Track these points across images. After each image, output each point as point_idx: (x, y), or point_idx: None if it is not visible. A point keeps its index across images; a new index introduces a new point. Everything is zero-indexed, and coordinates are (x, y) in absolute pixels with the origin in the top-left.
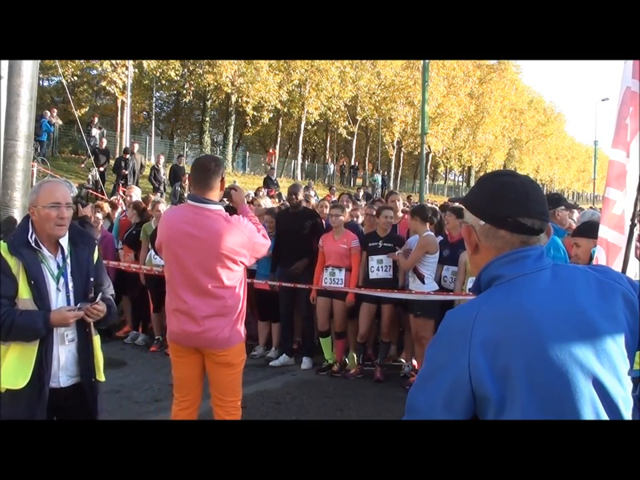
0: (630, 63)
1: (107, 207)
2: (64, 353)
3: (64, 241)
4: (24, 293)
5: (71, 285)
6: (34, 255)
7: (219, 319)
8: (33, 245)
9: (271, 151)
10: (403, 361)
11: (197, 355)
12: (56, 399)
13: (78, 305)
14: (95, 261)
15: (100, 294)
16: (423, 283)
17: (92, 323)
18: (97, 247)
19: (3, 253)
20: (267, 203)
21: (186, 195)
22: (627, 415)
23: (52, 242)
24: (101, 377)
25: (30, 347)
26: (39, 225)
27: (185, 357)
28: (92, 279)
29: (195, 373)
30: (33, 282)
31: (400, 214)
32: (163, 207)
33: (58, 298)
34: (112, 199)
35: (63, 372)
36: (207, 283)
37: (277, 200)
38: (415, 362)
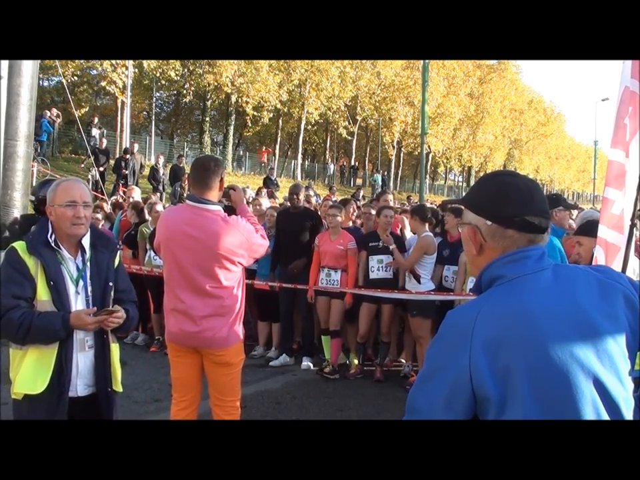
0: (629, 62)
1: (106, 207)
2: (82, 360)
3: (85, 243)
4: (43, 294)
5: (89, 289)
6: (53, 256)
7: (217, 318)
8: (53, 245)
9: (264, 149)
10: (402, 361)
11: (196, 355)
12: (72, 409)
13: (102, 309)
14: (115, 266)
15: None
16: (419, 282)
17: (110, 330)
18: (118, 252)
19: (21, 253)
20: (266, 203)
21: (186, 195)
22: (628, 415)
23: (72, 243)
24: (118, 387)
25: (49, 350)
26: (57, 225)
27: (184, 357)
28: (111, 284)
29: (193, 372)
30: (52, 283)
31: None
32: (160, 207)
33: (77, 301)
34: (112, 199)
35: (81, 380)
36: (205, 283)
37: (275, 200)
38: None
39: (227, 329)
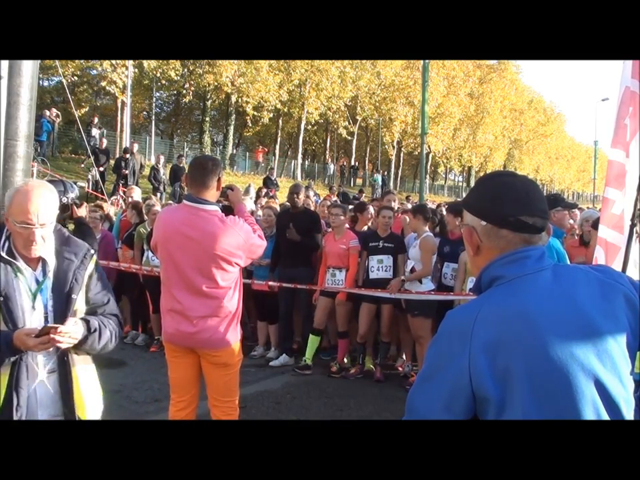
0: (629, 62)
1: (106, 207)
2: (42, 386)
3: (47, 253)
4: None
5: (50, 303)
6: (5, 267)
7: (214, 319)
8: (4, 255)
9: (260, 148)
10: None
11: (193, 355)
12: None
13: (42, 327)
14: (87, 275)
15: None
16: (420, 282)
17: (78, 349)
18: (93, 258)
19: None
20: (250, 204)
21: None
22: (629, 415)
23: None
24: (83, 414)
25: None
26: (13, 236)
27: (181, 357)
28: (74, 297)
29: (190, 373)
30: (2, 298)
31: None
32: (158, 208)
33: (32, 318)
34: (112, 198)
35: (43, 410)
36: (202, 283)
37: (275, 200)
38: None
39: (223, 329)
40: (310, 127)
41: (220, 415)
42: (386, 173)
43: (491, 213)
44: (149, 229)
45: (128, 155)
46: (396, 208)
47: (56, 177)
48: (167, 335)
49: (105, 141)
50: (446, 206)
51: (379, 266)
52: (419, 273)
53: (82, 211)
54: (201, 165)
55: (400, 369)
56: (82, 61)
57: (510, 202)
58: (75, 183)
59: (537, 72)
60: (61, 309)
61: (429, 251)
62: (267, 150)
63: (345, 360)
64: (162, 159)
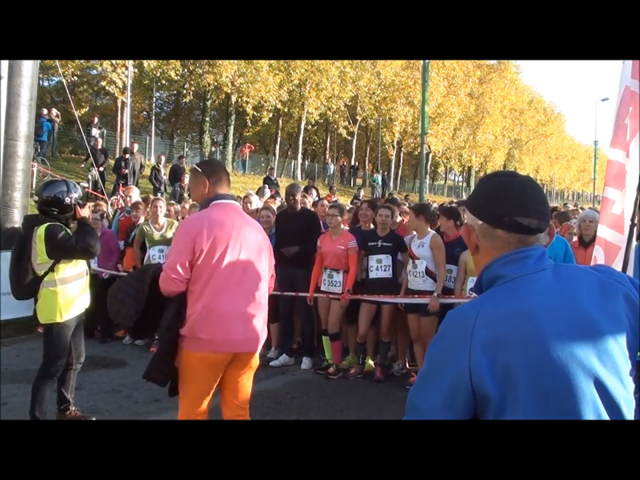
0: (629, 62)
1: (105, 207)
2: None
3: None
4: None
5: None
6: None
7: (260, 318)
8: None
9: (246, 145)
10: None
11: (226, 363)
12: None
13: None
14: None
15: None
16: (435, 281)
17: None
18: None
19: None
20: (256, 201)
21: (185, 195)
22: (629, 415)
23: None
24: None
25: None
26: None
27: (220, 368)
28: None
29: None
30: None
31: (398, 219)
32: (162, 204)
33: None
34: (112, 198)
35: None
36: (255, 281)
37: (275, 200)
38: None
39: (265, 329)
40: (310, 127)
41: (245, 416)
42: (386, 173)
43: (487, 213)
44: (152, 226)
45: (128, 155)
46: (398, 217)
47: (56, 177)
48: (214, 344)
49: (100, 141)
50: (461, 206)
51: (378, 265)
52: (442, 277)
53: (85, 211)
54: (222, 166)
55: (396, 367)
56: (82, 61)
57: (505, 202)
58: (78, 184)
59: (537, 72)
60: None
61: (441, 249)
62: (252, 147)
63: (345, 361)
64: (162, 159)
